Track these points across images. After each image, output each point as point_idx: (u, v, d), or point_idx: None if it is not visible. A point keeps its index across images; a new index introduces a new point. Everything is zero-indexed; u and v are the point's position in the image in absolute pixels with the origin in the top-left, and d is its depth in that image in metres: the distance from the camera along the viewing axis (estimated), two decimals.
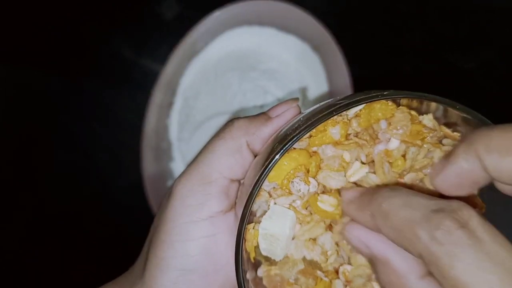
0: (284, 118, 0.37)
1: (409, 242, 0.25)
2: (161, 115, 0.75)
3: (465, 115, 0.30)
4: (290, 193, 0.34)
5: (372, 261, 0.29)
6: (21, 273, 0.75)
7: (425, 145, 0.32)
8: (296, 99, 0.38)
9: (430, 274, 0.26)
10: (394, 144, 0.32)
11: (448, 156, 0.28)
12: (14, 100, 0.78)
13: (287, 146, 0.30)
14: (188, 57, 0.74)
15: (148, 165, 0.74)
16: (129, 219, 0.74)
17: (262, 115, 0.38)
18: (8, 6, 0.74)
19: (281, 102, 0.38)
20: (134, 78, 0.77)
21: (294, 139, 0.29)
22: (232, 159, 0.36)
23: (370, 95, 0.29)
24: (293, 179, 0.33)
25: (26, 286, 0.75)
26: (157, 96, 0.73)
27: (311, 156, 0.34)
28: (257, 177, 0.30)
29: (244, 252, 0.33)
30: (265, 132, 0.36)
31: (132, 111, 0.76)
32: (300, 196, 0.33)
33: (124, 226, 0.74)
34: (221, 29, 0.75)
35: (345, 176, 0.33)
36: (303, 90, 0.74)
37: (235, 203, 0.38)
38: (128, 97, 0.77)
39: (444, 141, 0.33)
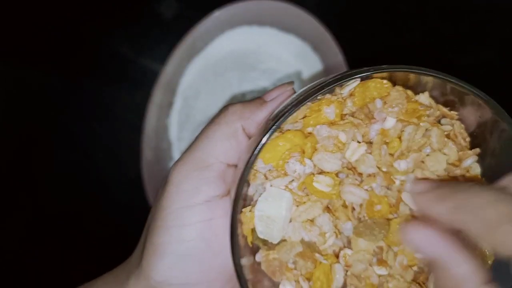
0: (279, 102, 0.36)
1: (503, 237, 0.24)
2: (161, 115, 0.75)
3: (460, 89, 0.29)
4: (286, 174, 0.33)
5: (430, 264, 0.29)
6: (21, 273, 0.74)
7: (422, 124, 0.32)
8: (291, 82, 0.38)
9: (490, 281, 0.26)
10: (390, 122, 0.32)
11: None
12: (14, 100, 0.78)
13: (278, 122, 0.29)
14: (188, 57, 0.75)
15: (148, 165, 0.74)
16: (129, 219, 0.74)
17: (257, 99, 0.37)
18: (8, 6, 0.75)
19: (276, 86, 0.38)
20: (133, 78, 0.77)
21: (285, 115, 0.29)
22: (228, 144, 0.36)
23: (362, 69, 0.29)
24: (288, 159, 0.33)
25: (26, 286, 0.74)
26: (157, 96, 0.74)
27: (306, 137, 0.33)
28: (248, 156, 0.30)
29: (240, 237, 0.33)
30: (260, 116, 0.36)
31: (132, 110, 0.76)
32: (296, 177, 0.33)
33: (124, 226, 0.73)
34: (221, 29, 0.75)
35: (343, 157, 0.33)
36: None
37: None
38: (128, 96, 0.78)
39: (443, 120, 0.33)
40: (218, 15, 0.73)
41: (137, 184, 0.74)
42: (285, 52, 0.76)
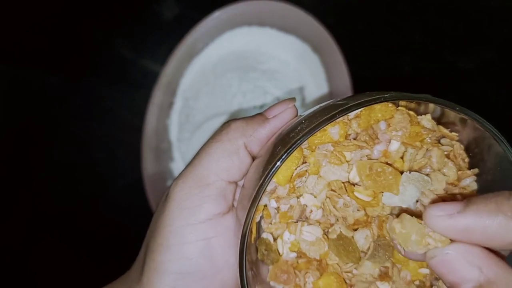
0: (281, 119, 0.37)
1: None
2: (161, 116, 0.75)
3: (463, 116, 0.30)
4: (300, 191, 0.34)
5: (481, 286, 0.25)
6: (21, 273, 0.75)
7: (423, 146, 0.32)
8: (293, 99, 0.38)
9: None
10: (395, 146, 0.32)
11: None
12: (13, 99, 0.78)
13: (290, 150, 0.29)
14: (188, 58, 0.75)
15: (148, 165, 0.74)
16: (129, 219, 0.74)
17: (259, 116, 0.37)
18: (8, 6, 0.74)
19: (277, 102, 0.38)
20: (133, 78, 0.78)
21: (298, 143, 0.29)
22: (229, 161, 0.36)
23: (373, 98, 0.29)
24: (294, 181, 0.34)
25: (26, 286, 0.75)
26: (157, 96, 0.74)
27: (312, 151, 0.34)
28: (260, 182, 0.30)
29: (248, 257, 0.33)
30: (263, 134, 0.36)
31: (132, 111, 0.77)
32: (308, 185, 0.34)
33: (124, 226, 0.74)
34: (221, 30, 0.75)
35: (347, 171, 0.33)
36: (303, 90, 0.74)
37: (233, 205, 0.37)
38: (128, 97, 0.78)
39: (443, 140, 0.33)
40: (218, 15, 0.73)
41: (137, 185, 0.74)
42: (285, 53, 0.76)
